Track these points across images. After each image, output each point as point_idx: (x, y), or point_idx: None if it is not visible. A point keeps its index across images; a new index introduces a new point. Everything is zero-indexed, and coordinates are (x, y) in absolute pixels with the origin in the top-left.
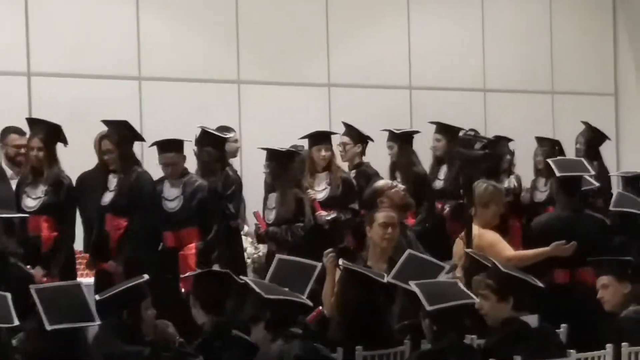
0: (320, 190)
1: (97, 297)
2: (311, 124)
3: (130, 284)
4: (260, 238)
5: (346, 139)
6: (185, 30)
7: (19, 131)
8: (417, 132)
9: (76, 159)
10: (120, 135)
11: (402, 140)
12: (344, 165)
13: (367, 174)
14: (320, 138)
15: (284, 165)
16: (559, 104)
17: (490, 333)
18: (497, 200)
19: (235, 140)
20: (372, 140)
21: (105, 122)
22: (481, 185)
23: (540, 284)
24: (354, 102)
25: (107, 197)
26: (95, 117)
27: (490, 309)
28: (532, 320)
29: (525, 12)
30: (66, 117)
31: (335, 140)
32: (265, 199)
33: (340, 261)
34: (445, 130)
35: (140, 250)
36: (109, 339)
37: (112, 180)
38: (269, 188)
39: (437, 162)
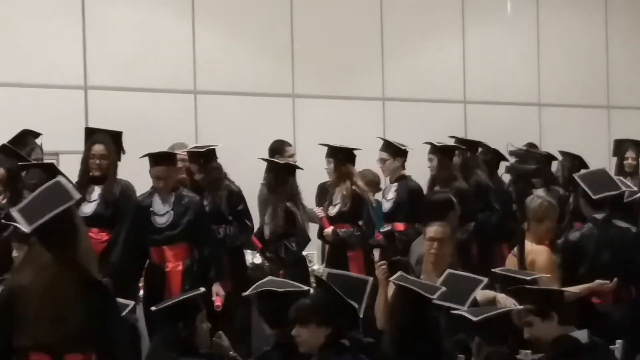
0: (334, 205)
1: (153, 308)
2: (365, 138)
3: (187, 296)
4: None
5: (384, 154)
6: (240, 44)
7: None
8: (458, 147)
9: (133, 170)
10: (116, 145)
11: (442, 153)
12: (381, 180)
13: (409, 187)
14: (330, 151)
15: (281, 178)
16: (615, 119)
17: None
18: (552, 216)
19: (292, 155)
20: (407, 151)
21: (100, 130)
22: (536, 201)
23: (576, 292)
24: (408, 116)
25: (88, 208)
26: (151, 130)
27: (538, 331)
28: (582, 335)
29: (581, 26)
30: (122, 130)
31: (374, 155)
32: (262, 214)
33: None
34: (437, 150)
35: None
36: (165, 350)
37: (95, 191)
38: (263, 203)
39: (433, 181)
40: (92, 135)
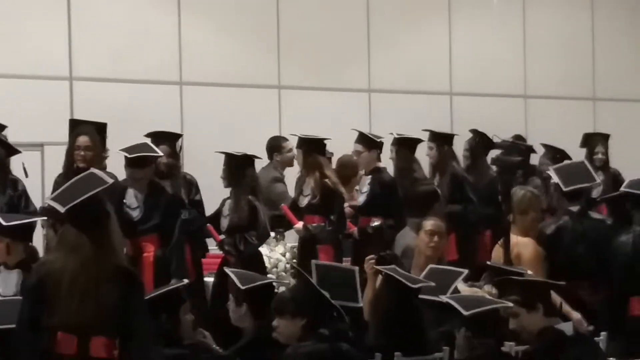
0: (304, 195)
1: None
2: (352, 129)
3: (169, 288)
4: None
5: (359, 147)
6: (226, 35)
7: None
8: (455, 134)
9: (117, 162)
10: (100, 136)
11: (403, 145)
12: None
13: (382, 180)
14: (298, 141)
15: (240, 171)
16: (601, 111)
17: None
18: (536, 207)
19: (290, 150)
20: (381, 143)
21: (85, 122)
22: (519, 192)
23: (561, 283)
24: (394, 108)
25: None
26: (136, 121)
27: (524, 322)
28: (567, 327)
29: (567, 18)
30: (107, 121)
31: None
32: (221, 205)
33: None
34: (437, 138)
35: None
36: None
37: None
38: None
39: (433, 170)
40: (76, 126)
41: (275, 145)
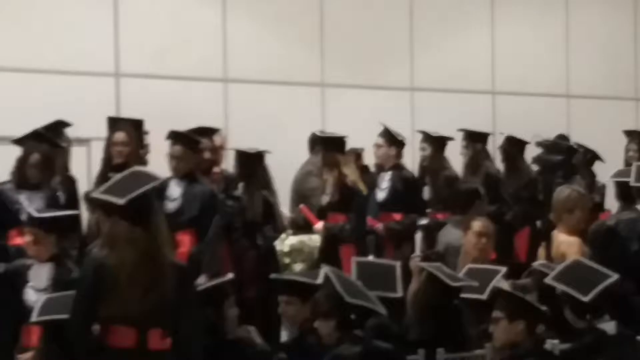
0: (326, 194)
1: None
2: (394, 127)
3: (215, 283)
4: None
5: (380, 141)
6: (270, 33)
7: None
8: (451, 138)
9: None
10: (137, 132)
11: (435, 143)
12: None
13: (403, 176)
14: (318, 140)
15: (249, 167)
16: None
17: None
18: (582, 206)
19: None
20: (404, 142)
21: (122, 119)
22: (565, 191)
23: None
24: (436, 107)
25: None
26: (180, 118)
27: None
28: (610, 327)
29: (610, 18)
30: (152, 118)
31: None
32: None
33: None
34: (431, 140)
35: None
36: None
37: None
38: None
39: (466, 169)
40: (114, 124)
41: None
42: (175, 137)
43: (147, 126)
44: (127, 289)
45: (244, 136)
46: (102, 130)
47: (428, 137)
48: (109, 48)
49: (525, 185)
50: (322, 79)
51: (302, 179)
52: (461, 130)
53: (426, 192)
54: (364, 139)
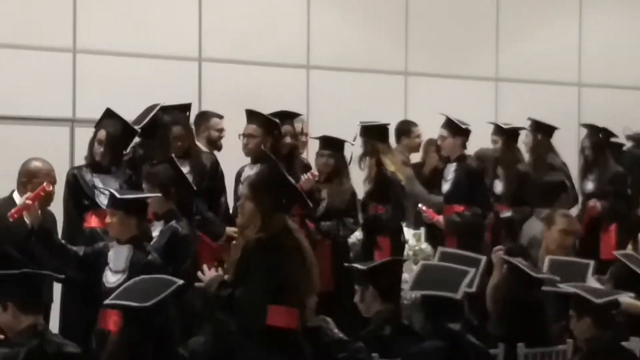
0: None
1: None
2: (477, 117)
3: None
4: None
5: (444, 132)
6: (354, 20)
7: (219, 115)
8: (523, 128)
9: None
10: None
11: (507, 135)
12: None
13: (468, 168)
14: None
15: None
16: None
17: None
18: None
19: (419, 136)
20: (469, 130)
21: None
22: None
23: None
24: (521, 97)
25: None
26: (262, 103)
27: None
28: None
29: None
30: (234, 103)
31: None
32: None
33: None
34: (502, 131)
35: None
36: None
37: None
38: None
39: (495, 164)
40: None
41: (404, 129)
42: (249, 115)
43: (228, 111)
44: (308, 271)
45: (326, 123)
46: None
47: (499, 129)
48: (193, 32)
49: (611, 179)
50: (405, 67)
51: None
52: (529, 119)
53: (498, 185)
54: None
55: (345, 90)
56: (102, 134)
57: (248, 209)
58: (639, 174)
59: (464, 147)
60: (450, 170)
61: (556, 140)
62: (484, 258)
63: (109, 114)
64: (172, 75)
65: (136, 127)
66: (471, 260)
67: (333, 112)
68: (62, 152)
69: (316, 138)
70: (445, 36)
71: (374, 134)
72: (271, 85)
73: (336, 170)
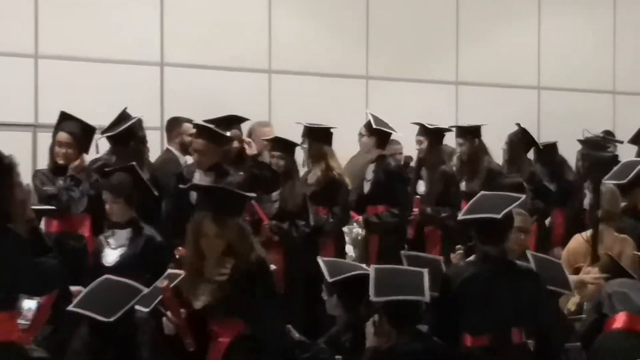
0: (309, 185)
1: None
2: (439, 121)
3: None
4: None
5: (363, 129)
6: (315, 25)
7: (190, 121)
8: (449, 130)
9: None
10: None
11: (432, 136)
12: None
13: (387, 168)
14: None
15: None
16: None
17: None
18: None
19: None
20: (388, 133)
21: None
22: (614, 188)
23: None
24: (481, 101)
25: None
26: (224, 108)
27: None
28: None
29: None
30: (196, 107)
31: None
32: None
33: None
34: (427, 132)
35: None
36: None
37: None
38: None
39: (462, 165)
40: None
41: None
42: (198, 130)
43: (191, 116)
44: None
45: (287, 127)
46: (147, 120)
47: (424, 129)
48: (155, 37)
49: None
50: (366, 72)
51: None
52: (454, 127)
53: (421, 186)
54: (407, 133)
55: (307, 95)
56: (61, 136)
57: None
58: (598, 176)
59: (382, 147)
60: (370, 171)
61: None
62: (441, 259)
63: (64, 117)
64: (135, 80)
65: (109, 134)
66: (431, 262)
67: (295, 117)
68: (25, 157)
69: (268, 140)
70: (405, 41)
71: (320, 136)
72: (233, 89)
73: (288, 172)
